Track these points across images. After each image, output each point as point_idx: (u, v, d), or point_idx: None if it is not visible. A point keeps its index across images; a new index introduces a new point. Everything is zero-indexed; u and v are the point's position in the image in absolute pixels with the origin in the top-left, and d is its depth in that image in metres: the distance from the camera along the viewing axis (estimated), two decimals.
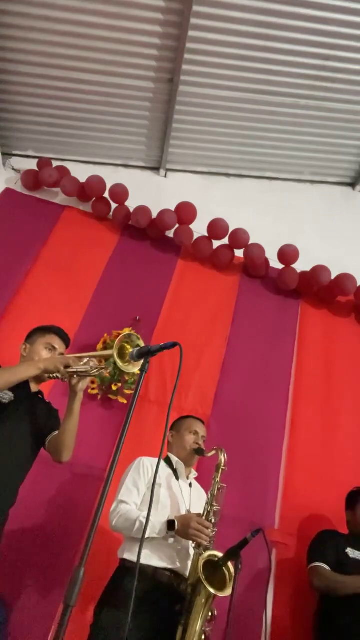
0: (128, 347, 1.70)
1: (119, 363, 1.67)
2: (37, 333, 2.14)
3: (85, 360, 1.86)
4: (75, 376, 1.86)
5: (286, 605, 2.52)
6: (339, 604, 2.16)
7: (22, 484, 1.95)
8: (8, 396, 1.90)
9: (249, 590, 2.35)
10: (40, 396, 2.11)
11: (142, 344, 1.67)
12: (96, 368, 1.84)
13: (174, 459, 2.27)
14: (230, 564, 1.87)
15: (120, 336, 1.71)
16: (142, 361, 1.59)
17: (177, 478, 2.20)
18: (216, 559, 1.86)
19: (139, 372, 1.52)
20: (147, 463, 2.14)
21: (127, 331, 3.14)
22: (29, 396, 2.01)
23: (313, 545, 2.43)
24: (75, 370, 1.84)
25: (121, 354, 1.70)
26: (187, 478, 2.27)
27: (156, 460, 2.14)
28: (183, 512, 2.05)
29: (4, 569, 2.27)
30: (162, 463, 2.16)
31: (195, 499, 2.21)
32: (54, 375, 1.87)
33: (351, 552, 2.32)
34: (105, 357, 1.86)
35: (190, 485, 2.26)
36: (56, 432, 1.97)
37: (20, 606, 2.29)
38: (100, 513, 1.21)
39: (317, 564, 2.29)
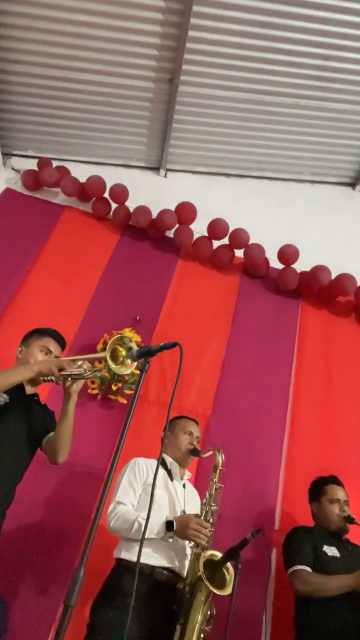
0: (121, 349, 1.71)
1: (112, 366, 1.68)
2: (33, 335, 2.13)
3: (79, 362, 1.87)
4: (69, 379, 1.87)
5: (286, 605, 2.51)
6: (318, 605, 2.12)
7: (18, 484, 1.95)
8: (3, 399, 1.91)
9: (249, 590, 2.35)
10: (35, 398, 2.11)
11: (134, 346, 1.68)
12: (90, 371, 1.84)
13: (169, 459, 2.26)
14: (229, 564, 1.87)
15: (113, 339, 1.71)
16: (134, 363, 1.61)
17: (171, 479, 2.19)
18: (216, 558, 1.86)
19: (138, 372, 1.52)
20: (142, 464, 2.14)
21: (127, 331, 3.14)
22: (24, 398, 2.01)
23: (289, 546, 2.34)
24: (69, 373, 1.85)
25: (114, 356, 1.71)
26: (181, 479, 2.27)
27: (151, 460, 2.16)
28: (178, 513, 2.06)
29: (3, 569, 2.27)
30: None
31: (190, 499, 2.21)
32: (49, 378, 1.87)
33: (328, 550, 2.27)
34: (98, 359, 1.86)
35: (184, 486, 2.26)
36: (52, 434, 1.97)
37: (20, 606, 2.28)
38: (100, 513, 1.21)
39: (299, 567, 2.21)
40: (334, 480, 2.54)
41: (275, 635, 2.42)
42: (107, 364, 1.68)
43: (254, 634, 2.39)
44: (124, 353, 1.70)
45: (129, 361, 1.68)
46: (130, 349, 1.68)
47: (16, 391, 1.91)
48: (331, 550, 2.28)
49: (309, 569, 2.20)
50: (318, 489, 2.54)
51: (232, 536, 1.98)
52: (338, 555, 2.28)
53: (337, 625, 2.03)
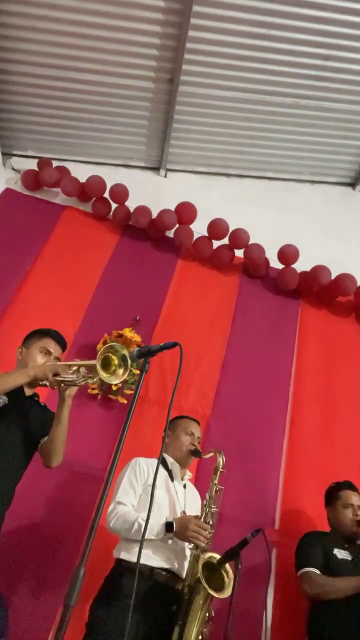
0: (113, 357, 1.72)
1: (102, 375, 1.69)
2: (34, 337, 2.13)
3: (74, 368, 1.88)
4: (62, 384, 1.88)
5: (286, 606, 2.52)
6: (329, 608, 2.13)
7: (16, 486, 1.95)
8: (2, 400, 1.91)
9: (249, 590, 2.35)
10: (35, 399, 2.11)
11: (126, 353, 1.69)
12: (82, 377, 1.85)
13: (169, 459, 2.26)
14: (228, 566, 1.87)
15: (103, 348, 1.72)
16: (126, 372, 1.66)
17: (172, 479, 2.19)
18: (215, 560, 1.86)
19: (138, 372, 1.52)
20: (142, 464, 2.13)
21: (127, 331, 3.14)
22: (23, 400, 2.01)
23: (300, 549, 2.37)
24: (62, 378, 1.86)
25: (106, 364, 1.72)
26: (182, 479, 2.26)
27: (151, 460, 2.15)
28: (178, 514, 2.05)
29: (4, 569, 2.27)
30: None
31: (190, 500, 2.21)
32: (43, 383, 1.89)
33: (339, 553, 2.29)
34: (91, 366, 1.88)
35: (185, 486, 2.25)
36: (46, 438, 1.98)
37: (20, 606, 2.28)
38: (100, 513, 1.21)
39: (307, 569, 2.23)
40: (349, 485, 2.56)
41: (275, 635, 2.41)
42: (96, 373, 1.69)
43: (254, 634, 2.39)
44: (116, 361, 1.71)
45: (120, 371, 1.70)
46: (123, 356, 1.69)
47: (15, 393, 1.92)
48: (342, 554, 2.30)
49: (317, 571, 2.21)
50: (333, 494, 2.56)
51: (232, 536, 1.98)
52: (349, 558, 2.29)
53: (349, 627, 2.03)
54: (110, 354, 1.72)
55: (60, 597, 1.15)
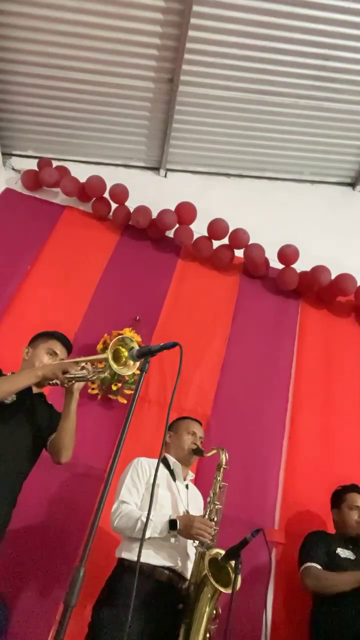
0: (123, 349, 1.73)
1: (114, 367, 1.69)
2: (40, 338, 2.15)
3: (82, 364, 1.89)
4: (74, 381, 1.88)
5: (286, 605, 2.52)
6: (330, 604, 2.15)
7: (24, 482, 1.95)
8: (10, 397, 1.92)
9: (249, 590, 2.35)
10: (42, 399, 2.12)
11: (136, 346, 1.69)
12: (93, 372, 1.85)
13: (172, 459, 2.26)
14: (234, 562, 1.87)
15: (114, 340, 1.72)
16: (137, 363, 1.63)
17: (174, 479, 2.19)
18: (220, 556, 1.86)
19: (138, 372, 1.52)
20: (145, 463, 2.14)
21: (127, 331, 3.14)
22: (30, 398, 2.02)
23: (303, 547, 2.41)
24: (73, 375, 1.87)
25: (116, 357, 1.72)
26: (184, 479, 2.26)
27: (154, 460, 2.16)
28: (181, 513, 2.05)
29: (4, 569, 2.27)
30: (160, 463, 2.16)
31: (192, 500, 2.21)
32: (53, 382, 1.89)
33: (341, 552, 2.31)
34: (100, 360, 1.87)
35: (187, 487, 2.26)
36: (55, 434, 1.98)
37: (20, 606, 2.28)
38: (100, 513, 1.21)
39: (308, 564, 2.26)
40: (355, 488, 2.58)
41: (275, 635, 2.41)
42: (109, 365, 1.69)
43: (254, 633, 2.39)
44: (126, 354, 1.71)
45: (131, 362, 1.69)
46: (132, 349, 1.68)
47: (23, 391, 1.92)
48: (345, 553, 2.32)
49: (318, 566, 2.23)
50: (339, 496, 2.58)
51: (232, 536, 1.98)
52: (352, 557, 2.31)
53: (352, 625, 2.04)
54: (120, 347, 1.72)
55: (61, 597, 1.15)
